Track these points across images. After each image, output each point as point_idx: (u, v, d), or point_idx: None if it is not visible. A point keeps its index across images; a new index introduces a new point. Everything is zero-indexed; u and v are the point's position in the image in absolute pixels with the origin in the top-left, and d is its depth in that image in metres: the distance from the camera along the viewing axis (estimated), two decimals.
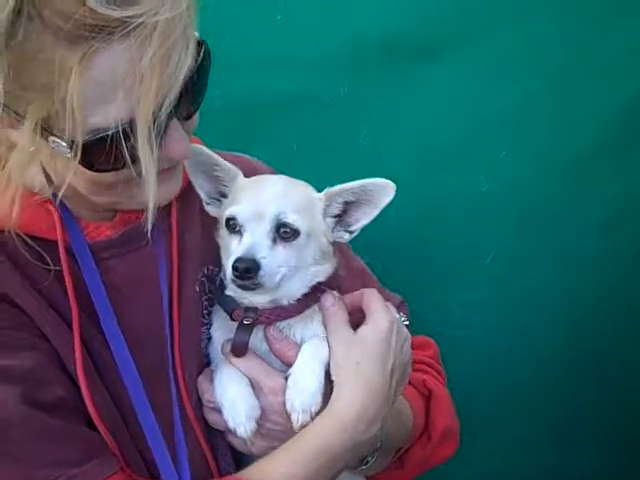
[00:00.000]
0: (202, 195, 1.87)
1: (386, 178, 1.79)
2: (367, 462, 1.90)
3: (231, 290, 1.82)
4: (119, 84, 1.41)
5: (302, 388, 1.75)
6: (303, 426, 1.72)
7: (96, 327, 1.68)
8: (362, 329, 1.80)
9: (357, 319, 1.84)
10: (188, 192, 1.84)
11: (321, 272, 1.84)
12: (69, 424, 1.60)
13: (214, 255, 1.89)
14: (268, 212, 1.73)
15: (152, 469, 1.68)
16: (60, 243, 1.67)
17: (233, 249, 1.74)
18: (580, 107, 2.71)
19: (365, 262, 2.23)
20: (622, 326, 2.91)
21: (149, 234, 1.67)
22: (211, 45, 1.57)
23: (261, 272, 1.68)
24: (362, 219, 1.85)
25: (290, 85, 2.61)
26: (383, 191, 1.79)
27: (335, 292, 1.85)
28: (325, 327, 1.81)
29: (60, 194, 1.57)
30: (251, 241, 1.72)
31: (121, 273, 1.76)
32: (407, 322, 1.94)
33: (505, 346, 2.86)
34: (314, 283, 1.84)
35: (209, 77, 1.60)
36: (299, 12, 2.55)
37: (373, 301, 1.85)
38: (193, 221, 1.91)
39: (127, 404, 1.68)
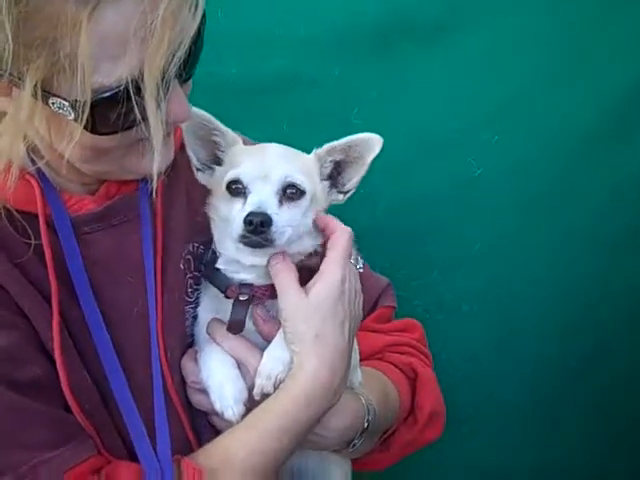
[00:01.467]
0: (194, 160, 1.83)
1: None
2: (354, 445, 1.88)
3: (222, 263, 1.80)
4: (130, 38, 1.37)
5: (274, 356, 1.73)
6: (264, 395, 1.70)
7: (77, 304, 1.64)
8: (315, 291, 1.72)
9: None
10: (173, 166, 1.78)
11: (317, 240, 1.82)
12: (44, 405, 1.56)
13: (200, 232, 1.85)
14: (275, 173, 1.73)
15: (133, 452, 1.63)
16: (41, 216, 1.62)
17: (236, 211, 1.71)
18: (575, 93, 2.69)
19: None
20: (615, 317, 2.89)
21: (145, 203, 1.68)
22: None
23: (273, 227, 1.66)
24: (353, 177, 1.85)
25: (281, 64, 2.56)
26: (370, 145, 1.80)
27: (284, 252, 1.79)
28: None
29: (53, 159, 1.53)
30: (259, 199, 1.70)
31: (103, 248, 1.72)
32: (361, 268, 1.89)
33: (494, 334, 2.83)
34: (312, 250, 1.81)
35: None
36: None
37: (335, 243, 1.77)
38: (178, 196, 1.87)
39: (106, 384, 1.64)
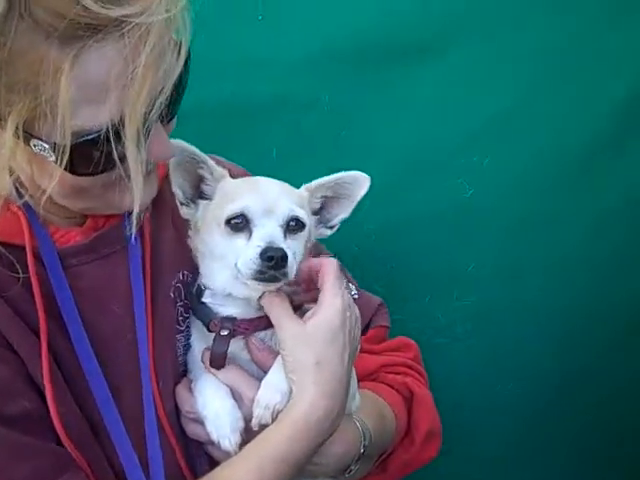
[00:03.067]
0: (179, 195, 1.81)
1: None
2: (351, 470, 1.87)
3: (208, 296, 1.79)
4: (111, 85, 1.37)
5: (272, 386, 1.71)
6: (262, 425, 1.68)
7: (65, 336, 1.63)
8: (314, 320, 1.70)
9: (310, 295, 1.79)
10: (160, 196, 1.78)
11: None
12: (34, 439, 1.54)
13: (188, 260, 1.84)
14: (279, 206, 1.72)
15: None
16: (28, 248, 1.61)
17: (241, 247, 1.70)
18: (567, 113, 2.68)
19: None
20: (610, 336, 2.87)
21: (132, 238, 1.66)
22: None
23: (288, 261, 1.65)
24: (340, 213, 1.87)
25: (270, 88, 2.54)
26: (359, 183, 1.83)
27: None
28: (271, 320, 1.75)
29: (37, 195, 1.52)
30: (270, 233, 1.69)
31: (91, 280, 1.70)
32: (356, 294, 1.90)
33: (490, 355, 2.82)
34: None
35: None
36: (281, 13, 2.50)
37: (326, 275, 1.75)
38: (166, 225, 1.86)
39: (97, 416, 1.62)
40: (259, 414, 1.69)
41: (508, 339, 2.81)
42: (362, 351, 2.06)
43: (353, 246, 2.47)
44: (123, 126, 1.40)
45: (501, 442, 2.90)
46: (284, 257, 1.64)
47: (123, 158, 1.44)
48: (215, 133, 2.46)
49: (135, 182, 1.46)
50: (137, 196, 1.49)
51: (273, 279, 1.68)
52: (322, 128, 2.60)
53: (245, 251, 1.68)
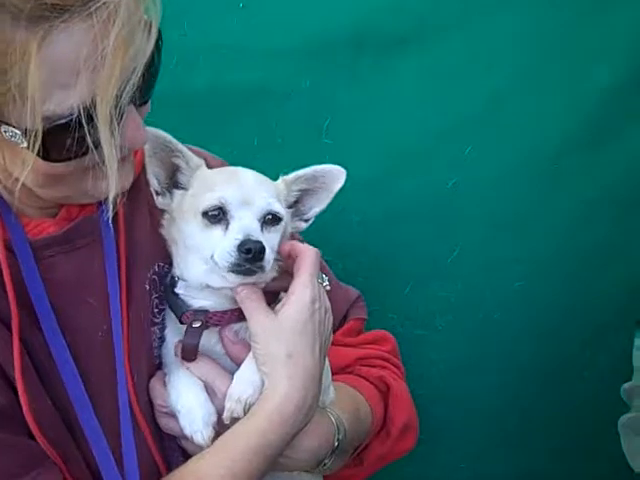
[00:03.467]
0: (154, 184, 1.78)
1: (349, 174, 1.82)
2: (325, 464, 1.86)
3: (181, 288, 1.78)
4: (81, 66, 1.34)
5: (244, 379, 1.71)
6: (234, 419, 1.68)
7: (38, 329, 1.60)
8: (285, 311, 1.70)
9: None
10: (135, 186, 1.75)
11: (276, 264, 1.79)
12: (6, 434, 1.52)
13: (164, 251, 1.82)
14: (257, 199, 1.71)
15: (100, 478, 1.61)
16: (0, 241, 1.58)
17: (217, 239, 1.68)
18: (549, 103, 2.66)
19: (325, 260, 2.15)
20: (593, 328, 2.86)
21: (108, 222, 1.64)
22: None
23: (266, 254, 1.64)
24: (315, 206, 1.86)
25: (251, 76, 2.52)
26: (335, 177, 1.81)
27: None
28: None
29: (9, 184, 1.49)
30: (247, 226, 1.67)
31: (65, 272, 1.68)
32: (327, 285, 1.86)
33: (469, 348, 2.80)
34: (275, 274, 1.79)
35: (163, 65, 1.55)
36: (262, 0, 2.48)
37: (303, 265, 1.74)
38: (141, 215, 1.83)
39: (71, 410, 1.60)
40: (231, 407, 1.68)
41: (489, 331, 2.81)
42: (338, 343, 2.09)
43: (334, 236, 2.45)
44: (95, 109, 1.37)
45: (480, 436, 2.89)
46: (262, 250, 1.63)
47: (97, 143, 1.41)
48: (195, 122, 2.44)
49: (110, 167, 1.44)
50: (112, 182, 1.47)
51: (250, 272, 1.67)
52: (304, 118, 2.58)
53: (222, 243, 1.67)
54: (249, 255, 1.62)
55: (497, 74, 2.64)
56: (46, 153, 1.42)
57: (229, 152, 2.12)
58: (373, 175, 2.56)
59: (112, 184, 1.48)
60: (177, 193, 1.79)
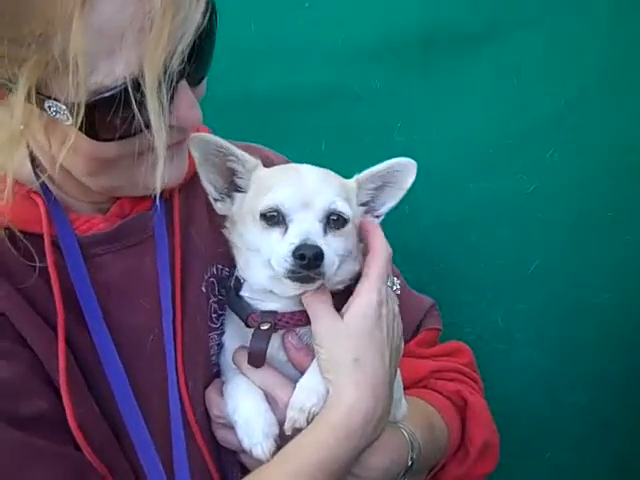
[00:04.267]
0: (210, 191, 1.70)
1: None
2: None
3: (247, 290, 1.69)
4: (127, 30, 1.29)
5: (308, 388, 1.60)
6: (296, 429, 1.56)
7: (85, 332, 1.52)
8: (350, 314, 1.59)
9: None
10: (192, 182, 1.68)
11: (357, 263, 1.69)
12: (49, 442, 1.42)
13: (223, 253, 1.73)
14: (318, 199, 1.60)
15: None
16: (46, 237, 1.52)
17: (275, 242, 1.58)
18: (634, 102, 2.52)
19: (399, 269, 2.06)
20: None
21: (159, 220, 1.57)
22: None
23: (325, 260, 1.53)
24: (388, 202, 1.76)
25: (318, 78, 2.46)
26: (408, 170, 1.72)
27: None
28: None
29: (56, 172, 1.43)
30: (306, 229, 1.56)
31: (115, 271, 1.60)
32: (398, 289, 1.74)
33: (551, 364, 2.66)
34: (353, 276, 1.68)
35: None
36: None
37: (372, 266, 1.63)
38: (199, 214, 1.75)
39: (119, 418, 1.51)
40: (293, 417, 1.57)
41: (573, 346, 2.66)
42: (411, 355, 1.99)
43: (406, 243, 2.35)
44: (143, 78, 1.30)
45: (565, 455, 2.73)
46: (318, 255, 1.52)
47: (147, 119, 1.34)
48: (262, 125, 2.39)
49: (160, 145, 1.36)
50: (162, 162, 1.38)
51: (308, 280, 1.57)
52: (374, 120, 2.50)
53: (279, 248, 1.57)
54: (304, 262, 1.51)
55: (578, 73, 2.52)
56: (93, 130, 1.36)
57: (296, 157, 2.02)
58: (448, 178, 2.48)
59: (161, 166, 1.39)
60: (237, 197, 1.71)
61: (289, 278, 1.56)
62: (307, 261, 1.51)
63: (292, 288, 1.63)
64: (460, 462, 1.97)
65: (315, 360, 1.61)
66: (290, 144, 2.23)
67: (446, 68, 2.50)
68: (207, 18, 1.37)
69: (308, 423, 1.56)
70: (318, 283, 1.60)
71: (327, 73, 2.46)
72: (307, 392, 1.59)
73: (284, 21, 2.42)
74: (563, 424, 2.70)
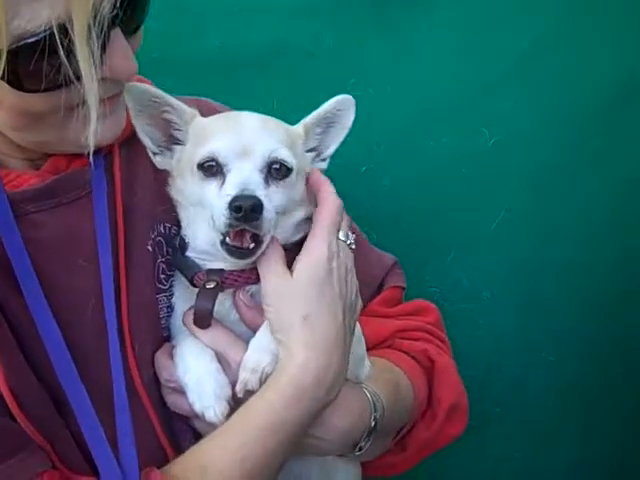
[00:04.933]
0: (148, 143, 1.61)
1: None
2: (360, 448, 1.68)
3: (192, 250, 1.61)
4: None
5: (260, 347, 1.53)
6: (249, 392, 1.49)
7: (19, 292, 1.43)
8: (298, 270, 1.53)
9: None
10: (135, 137, 1.60)
11: (308, 207, 1.63)
12: None
13: (171, 212, 1.65)
14: (258, 148, 1.52)
15: (94, 464, 1.42)
16: None
17: (213, 195, 1.50)
18: (594, 53, 2.47)
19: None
20: None
21: (97, 177, 1.50)
22: None
23: (265, 212, 1.45)
24: (332, 144, 1.70)
25: (269, 34, 2.38)
26: (349, 107, 1.66)
27: None
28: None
29: None
30: (243, 178, 1.48)
31: (51, 230, 1.51)
32: (352, 244, 1.66)
33: (520, 322, 2.62)
34: (305, 229, 1.61)
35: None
36: None
37: (321, 218, 1.57)
38: (143, 171, 1.66)
39: (58, 386, 1.43)
40: (245, 378, 1.51)
41: (540, 304, 2.62)
42: (374, 314, 1.95)
43: (365, 202, 2.31)
44: (71, 24, 1.23)
45: (537, 421, 2.71)
46: (256, 207, 1.43)
47: (77, 69, 1.26)
48: (213, 84, 2.30)
49: (91, 98, 1.29)
50: (94, 118, 1.31)
51: (244, 255, 1.50)
52: (327, 77, 2.41)
53: (216, 201, 1.49)
54: (239, 214, 1.42)
55: (537, 24, 2.47)
56: (17, 80, 1.28)
57: None
58: (406, 135, 2.41)
59: (93, 121, 1.32)
60: (176, 149, 1.63)
61: (228, 231, 1.47)
62: (243, 213, 1.42)
63: (230, 262, 1.55)
64: (428, 424, 1.93)
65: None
66: (241, 103, 2.14)
67: (400, 23, 2.43)
68: None
69: (261, 384, 1.50)
70: (254, 258, 1.52)
71: (278, 30, 2.39)
72: (259, 351, 1.53)
73: None
74: (532, 382, 2.67)
